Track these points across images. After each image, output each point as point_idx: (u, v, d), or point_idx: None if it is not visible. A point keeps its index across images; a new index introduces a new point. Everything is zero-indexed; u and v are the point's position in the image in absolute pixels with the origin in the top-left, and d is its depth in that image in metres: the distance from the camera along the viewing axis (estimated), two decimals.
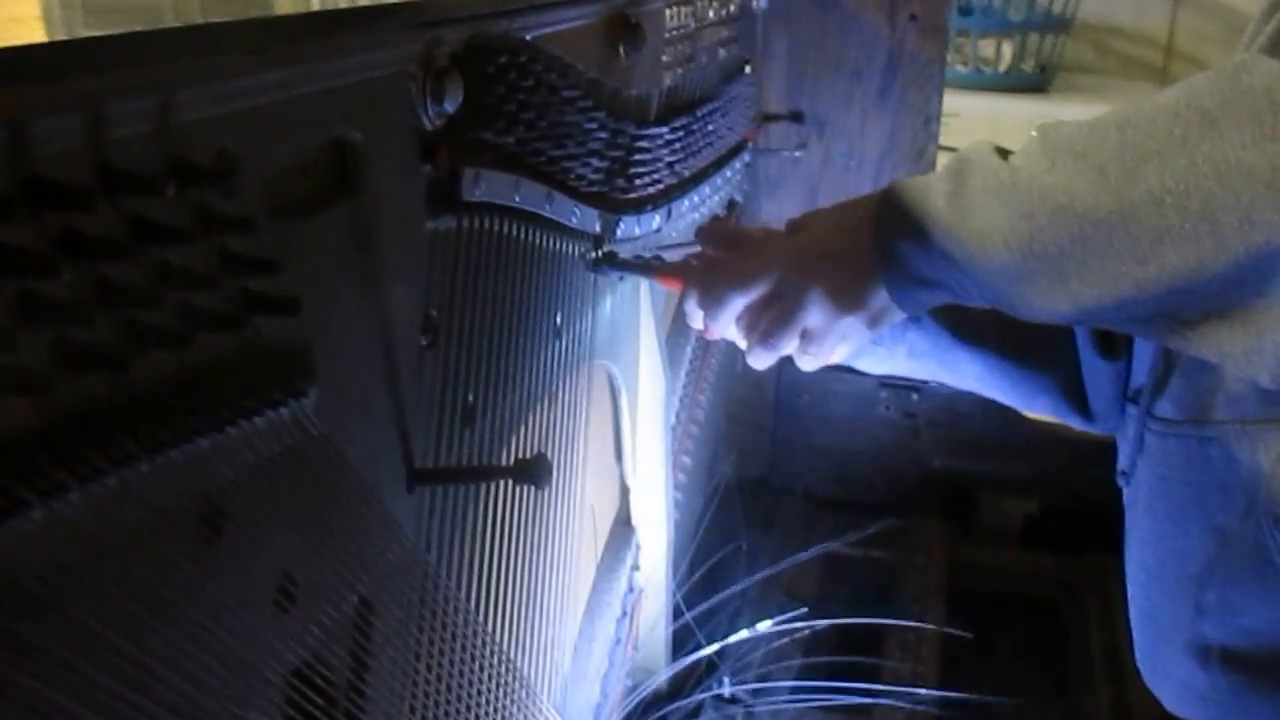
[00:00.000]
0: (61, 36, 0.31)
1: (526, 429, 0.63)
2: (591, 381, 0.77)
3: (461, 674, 0.52)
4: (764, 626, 1.04)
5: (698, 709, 0.99)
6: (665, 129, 0.79)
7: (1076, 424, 0.73)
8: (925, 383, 1.29)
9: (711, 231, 0.73)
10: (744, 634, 1.02)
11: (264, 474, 0.37)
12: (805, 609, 1.06)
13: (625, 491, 0.93)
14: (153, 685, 0.32)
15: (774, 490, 1.41)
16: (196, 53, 0.35)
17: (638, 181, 0.75)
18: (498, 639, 0.58)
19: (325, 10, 0.49)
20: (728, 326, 0.67)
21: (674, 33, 0.86)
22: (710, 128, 0.91)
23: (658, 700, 0.97)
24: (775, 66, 1.22)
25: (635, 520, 0.95)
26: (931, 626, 1.15)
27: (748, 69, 1.06)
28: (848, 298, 0.62)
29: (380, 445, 0.47)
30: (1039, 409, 0.75)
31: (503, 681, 0.56)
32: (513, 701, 0.58)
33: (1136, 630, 0.68)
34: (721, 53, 1.00)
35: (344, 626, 0.43)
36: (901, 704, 1.04)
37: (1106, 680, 1.10)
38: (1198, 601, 0.60)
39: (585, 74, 0.65)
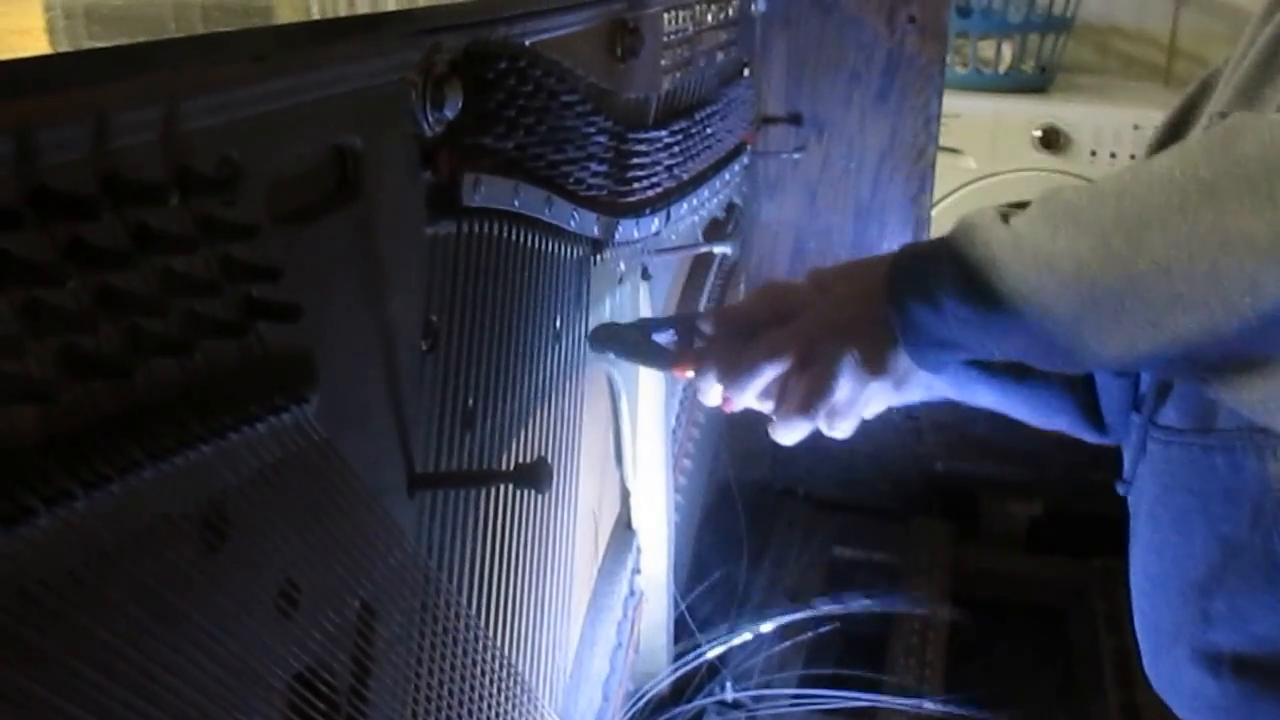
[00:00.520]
0: (66, 47, 0.31)
1: (527, 433, 0.64)
2: (591, 385, 0.77)
3: (463, 678, 0.52)
4: (766, 629, 1.04)
5: (700, 714, 0.99)
6: (664, 132, 0.80)
7: (1091, 439, 0.74)
8: None
9: (717, 320, 0.71)
10: (746, 637, 1.02)
11: (267, 479, 0.37)
12: (808, 612, 1.06)
13: (626, 495, 0.93)
14: (157, 691, 0.33)
15: (775, 493, 1.41)
16: (199, 62, 0.36)
17: (636, 185, 0.76)
18: (499, 643, 0.58)
19: (326, 18, 0.49)
20: (751, 399, 0.67)
21: (672, 36, 0.86)
22: (709, 131, 0.91)
23: (659, 704, 0.97)
24: (774, 69, 1.23)
25: (636, 524, 0.95)
26: (935, 630, 1.15)
27: (746, 72, 1.06)
28: (874, 364, 0.63)
29: (381, 450, 0.47)
30: (1057, 427, 0.75)
31: (504, 686, 0.57)
32: (514, 706, 0.58)
33: (1142, 639, 0.67)
34: (720, 56, 1.00)
35: (346, 631, 0.43)
36: (906, 709, 1.03)
37: (1116, 685, 1.10)
38: (1206, 610, 0.60)
39: (584, 78, 0.65)
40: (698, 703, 0.99)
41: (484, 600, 0.57)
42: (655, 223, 0.81)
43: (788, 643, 1.06)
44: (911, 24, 1.18)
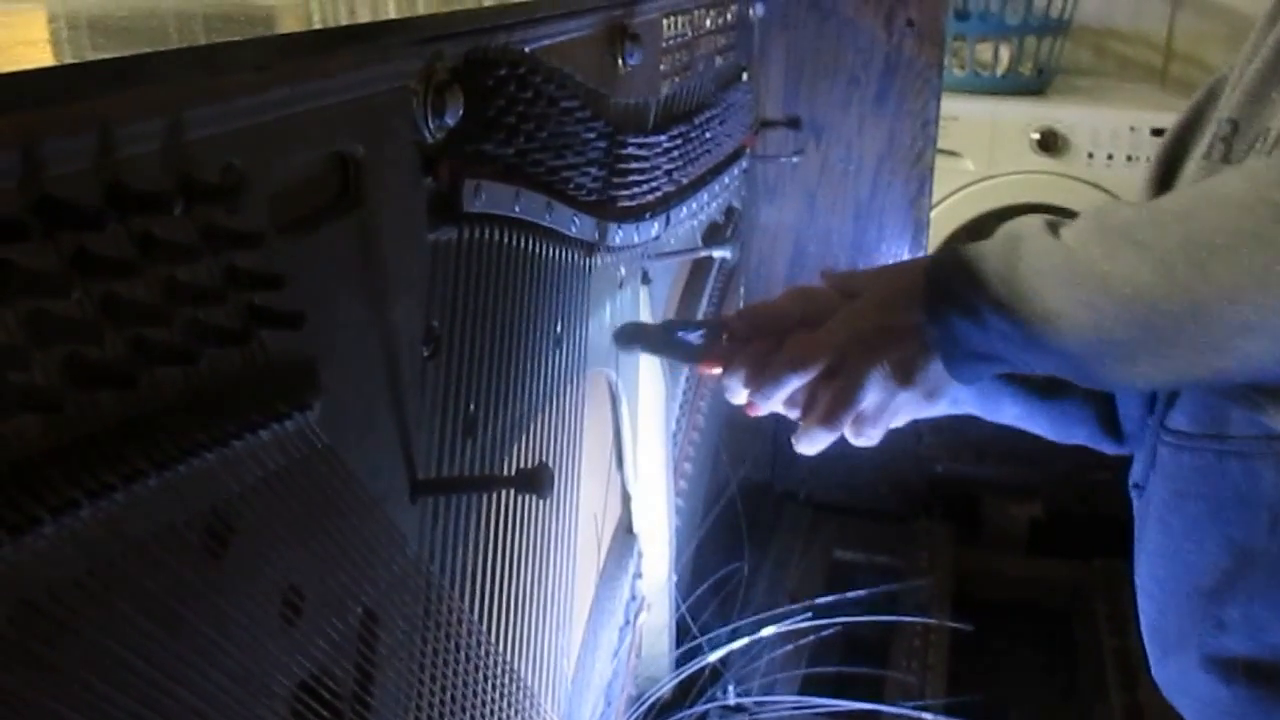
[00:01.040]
0: (70, 58, 0.31)
1: (528, 438, 0.64)
2: (592, 389, 0.77)
3: (466, 684, 0.52)
4: (768, 632, 1.04)
5: (702, 717, 0.99)
6: (663, 137, 0.80)
7: (1110, 450, 0.73)
8: None
9: (745, 318, 0.70)
10: (747, 640, 1.02)
11: (270, 487, 0.37)
12: (810, 615, 1.06)
13: (627, 499, 0.93)
14: (162, 699, 0.33)
15: (776, 496, 1.41)
16: (202, 72, 0.36)
17: (636, 189, 0.76)
18: (501, 648, 0.58)
19: (327, 27, 0.50)
20: (777, 405, 0.66)
21: (671, 42, 0.86)
22: (708, 135, 0.91)
23: (662, 709, 0.97)
24: (772, 73, 1.23)
25: (637, 528, 0.95)
26: (938, 633, 1.15)
27: (745, 76, 1.06)
28: (904, 375, 0.61)
29: (384, 456, 0.48)
30: (1075, 440, 0.74)
31: (507, 691, 0.57)
32: (517, 711, 0.58)
33: (1149, 642, 0.66)
34: (719, 61, 1.00)
35: (349, 638, 0.44)
36: (908, 712, 1.03)
37: (1119, 688, 1.09)
38: (1218, 617, 0.59)
39: (584, 84, 0.65)
40: (700, 707, 0.99)
41: (486, 605, 0.57)
42: (655, 227, 0.81)
43: (789, 646, 1.06)
44: (909, 27, 1.18)
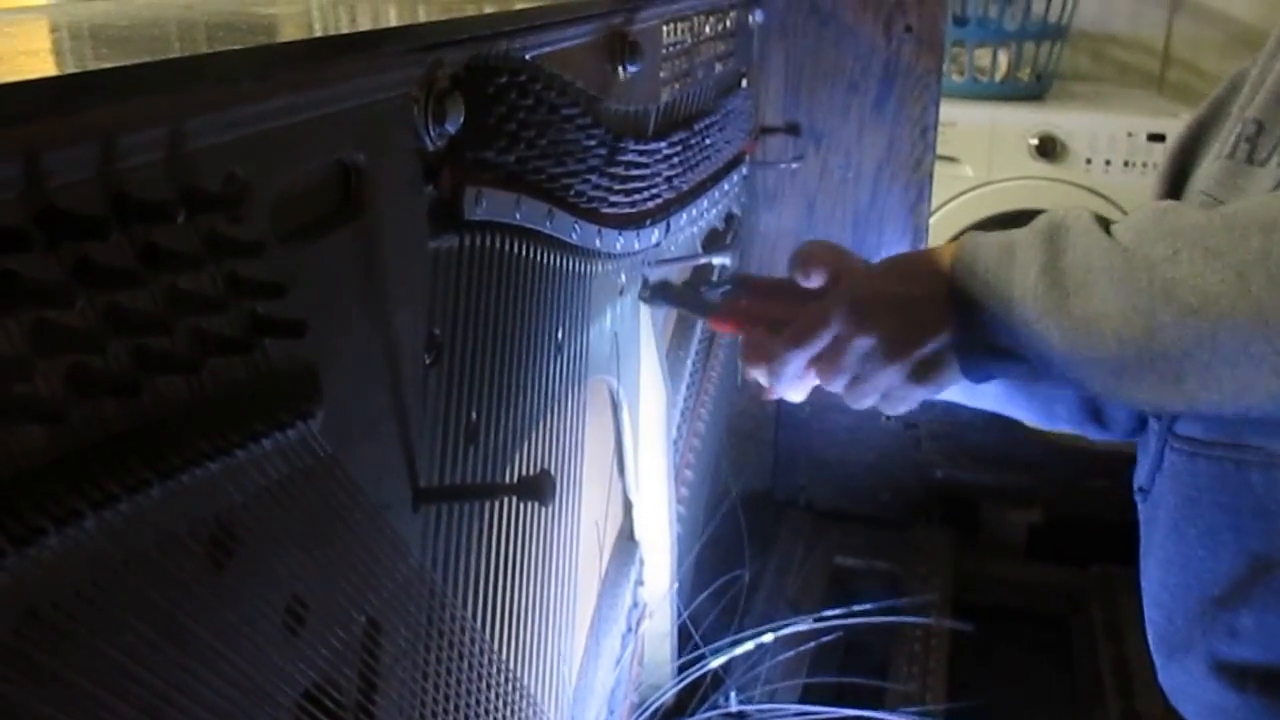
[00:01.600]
0: (73, 68, 0.31)
1: (529, 445, 0.64)
2: (593, 397, 0.77)
3: (469, 692, 0.52)
4: (769, 639, 1.04)
5: None
6: (663, 144, 0.80)
7: (1092, 434, 0.71)
8: None
9: (756, 284, 0.70)
10: (749, 647, 1.02)
11: (273, 496, 0.37)
12: (810, 621, 1.06)
13: (628, 507, 0.93)
14: (166, 710, 0.33)
15: (777, 503, 1.41)
16: (204, 81, 0.36)
17: (637, 196, 0.76)
18: (504, 656, 0.58)
19: (328, 36, 0.50)
20: (791, 385, 0.66)
21: (671, 49, 0.86)
22: (708, 142, 0.91)
23: (665, 716, 0.97)
24: (772, 80, 1.23)
25: (639, 535, 0.95)
26: (938, 638, 1.15)
27: (744, 83, 1.07)
28: (899, 350, 0.59)
29: (386, 464, 0.48)
30: (1057, 422, 0.71)
31: (510, 699, 0.57)
32: (520, 719, 0.58)
33: (1155, 648, 0.65)
34: (718, 67, 1.00)
35: (353, 647, 0.43)
36: (909, 718, 1.03)
37: (1116, 693, 1.10)
38: (1231, 625, 0.58)
39: (584, 91, 0.65)
40: (702, 714, 0.98)
41: (489, 613, 0.57)
42: (655, 234, 0.81)
43: (791, 652, 1.06)
44: (908, 34, 1.19)
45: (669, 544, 0.97)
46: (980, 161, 2.00)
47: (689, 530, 1.06)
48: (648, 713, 0.95)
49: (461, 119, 0.50)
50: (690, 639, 1.01)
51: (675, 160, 0.83)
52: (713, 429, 1.15)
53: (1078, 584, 1.29)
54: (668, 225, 0.84)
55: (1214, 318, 0.48)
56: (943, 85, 1.23)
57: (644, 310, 0.88)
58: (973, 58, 2.07)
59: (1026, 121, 1.98)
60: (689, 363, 1.05)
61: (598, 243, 0.72)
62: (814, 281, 0.67)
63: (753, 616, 1.12)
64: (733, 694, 1.00)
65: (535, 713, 0.61)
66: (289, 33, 0.49)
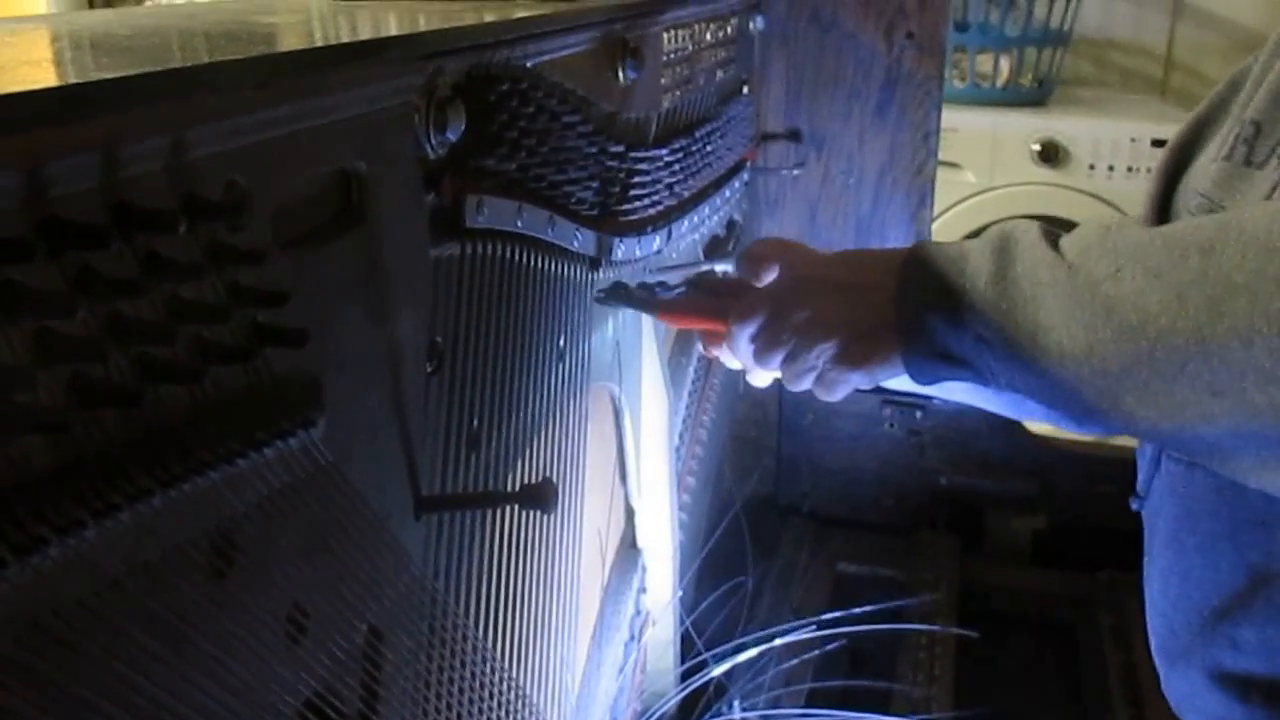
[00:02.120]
0: (74, 78, 0.31)
1: (531, 453, 0.64)
2: (595, 404, 0.77)
3: (471, 701, 0.52)
4: (773, 646, 1.04)
5: None
6: (664, 151, 0.80)
7: (1071, 428, 0.71)
8: (929, 399, 1.29)
9: (709, 284, 0.72)
10: (753, 654, 1.02)
11: (274, 504, 0.37)
12: (815, 628, 1.05)
13: (631, 514, 0.93)
14: (167, 718, 0.33)
15: (780, 509, 1.41)
16: (205, 90, 0.36)
17: (638, 203, 0.76)
18: (507, 664, 0.58)
19: (329, 45, 0.50)
20: (746, 362, 0.67)
21: (672, 55, 0.86)
22: (709, 148, 0.91)
23: None
24: (773, 86, 1.23)
25: (641, 543, 0.95)
26: (943, 644, 1.15)
27: (745, 89, 1.07)
28: (832, 329, 0.60)
29: (388, 473, 0.48)
30: (1032, 416, 0.72)
31: (513, 708, 0.56)
32: None
33: (1158, 658, 0.65)
34: (719, 74, 1.00)
35: (355, 656, 0.43)
36: None
37: (1124, 701, 1.09)
38: (1232, 638, 0.57)
39: (585, 99, 0.65)
40: None
41: (491, 622, 0.57)
42: (657, 241, 0.81)
43: (795, 659, 1.06)
44: (909, 40, 1.19)
45: (671, 551, 0.97)
46: (982, 167, 2.00)
47: (691, 537, 1.06)
48: None
49: (463, 127, 0.51)
50: (693, 646, 1.01)
51: (677, 167, 0.83)
52: (715, 436, 1.15)
53: (1084, 590, 1.28)
54: (669, 232, 0.84)
55: (1153, 336, 0.48)
56: (944, 91, 1.23)
57: (645, 317, 0.88)
58: (974, 63, 2.07)
59: (1028, 127, 1.98)
60: (691, 370, 1.05)
61: (599, 250, 0.72)
62: (765, 280, 0.68)
63: (756, 624, 1.11)
64: (736, 702, 0.99)
65: None
66: (290, 42, 0.49)
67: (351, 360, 0.44)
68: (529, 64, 0.59)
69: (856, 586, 1.28)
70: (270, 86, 0.39)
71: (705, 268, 0.98)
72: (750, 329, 0.65)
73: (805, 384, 0.64)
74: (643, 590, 0.95)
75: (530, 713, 0.60)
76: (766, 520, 1.36)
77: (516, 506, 0.58)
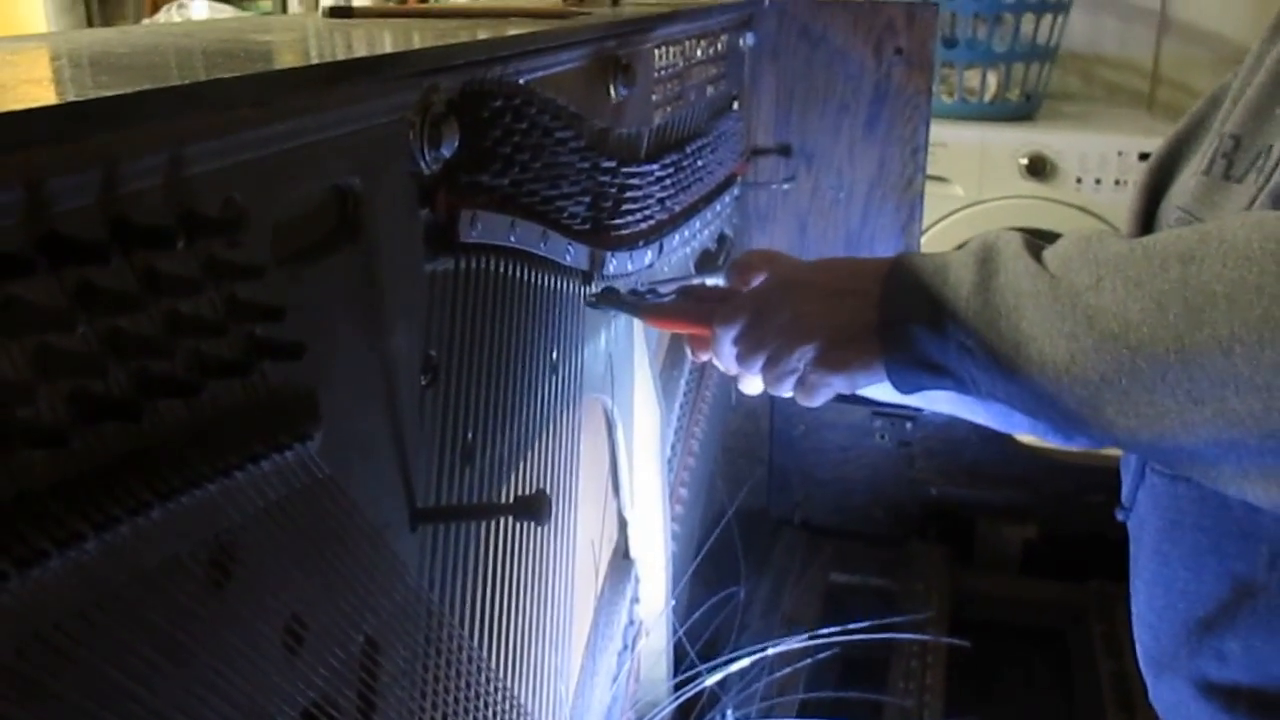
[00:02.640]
0: (74, 96, 0.31)
1: (525, 465, 0.64)
2: (588, 416, 0.77)
3: (466, 711, 0.52)
4: (765, 656, 1.04)
5: None
6: (656, 166, 0.81)
7: (1054, 438, 0.72)
8: (919, 411, 1.30)
9: (699, 293, 0.72)
10: (745, 664, 1.02)
11: (272, 517, 0.38)
12: (807, 638, 1.06)
13: (623, 525, 0.94)
14: None
15: (772, 520, 1.41)
16: (202, 107, 0.36)
17: (630, 218, 0.77)
18: (502, 674, 0.58)
19: (325, 62, 0.51)
20: (731, 365, 0.67)
21: (663, 72, 0.87)
22: (700, 163, 0.92)
23: None
24: (763, 102, 1.24)
25: (634, 553, 0.95)
26: (935, 654, 1.15)
27: (736, 105, 1.08)
28: (812, 331, 0.60)
29: (383, 485, 0.48)
30: (1018, 429, 0.70)
31: (508, 718, 0.57)
32: None
33: (1145, 668, 0.65)
34: (710, 90, 1.01)
35: (351, 666, 0.44)
36: None
37: (1116, 707, 1.09)
38: (1218, 649, 0.58)
39: (577, 115, 0.66)
40: None
41: (486, 632, 0.57)
42: (649, 255, 0.82)
43: (787, 669, 1.06)
44: (898, 55, 1.20)
45: (664, 562, 0.97)
46: (971, 181, 2.02)
47: (684, 548, 1.06)
48: None
49: (456, 143, 0.51)
50: (686, 656, 1.01)
51: (668, 182, 0.83)
52: (707, 447, 1.15)
53: (1075, 599, 1.29)
54: (661, 246, 0.84)
55: (1134, 345, 0.48)
56: (933, 106, 1.24)
57: (638, 330, 0.89)
58: (962, 79, 2.09)
59: (1016, 141, 2.00)
60: (683, 382, 1.06)
61: (591, 264, 0.72)
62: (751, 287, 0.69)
63: (748, 634, 1.12)
64: (729, 711, 1.00)
65: None
66: (286, 59, 0.50)
67: (347, 374, 0.45)
68: (522, 81, 0.59)
69: (848, 597, 1.28)
70: (267, 104, 0.39)
71: (696, 281, 0.99)
72: (733, 331, 0.65)
73: (786, 387, 0.64)
74: (636, 600, 0.95)
75: None
76: (758, 531, 1.36)
77: (511, 518, 0.58)
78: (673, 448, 1.03)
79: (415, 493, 0.50)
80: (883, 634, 1.09)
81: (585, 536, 0.78)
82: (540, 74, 0.63)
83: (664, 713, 0.98)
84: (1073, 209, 1.98)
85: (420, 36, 0.60)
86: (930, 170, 1.29)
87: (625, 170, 0.74)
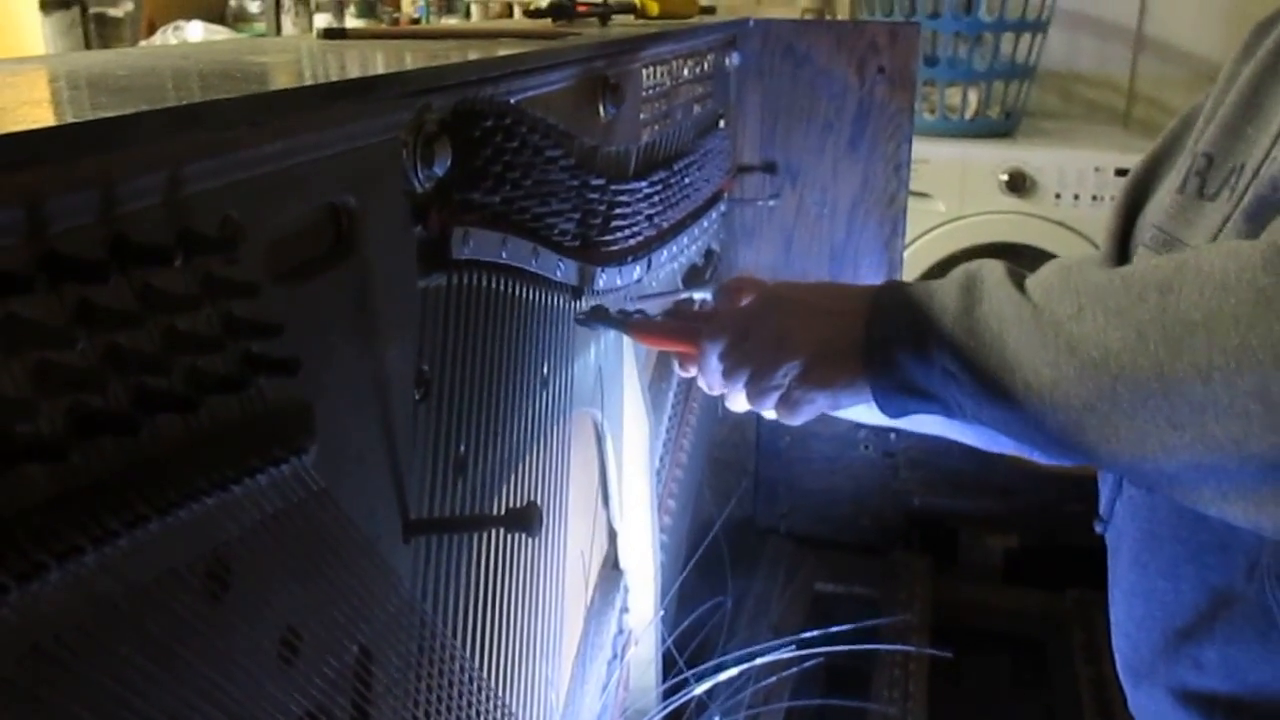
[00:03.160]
0: (72, 117, 0.32)
1: (516, 477, 0.65)
2: (578, 429, 0.78)
3: (459, 719, 0.53)
4: (752, 664, 1.04)
5: None
6: (644, 183, 0.82)
7: (1041, 460, 0.73)
8: None
9: (687, 314, 0.74)
10: (733, 673, 1.03)
11: (268, 529, 0.38)
12: (793, 647, 1.06)
13: (613, 536, 0.94)
14: None
15: (758, 530, 1.42)
16: (199, 128, 0.37)
17: (619, 234, 0.78)
18: (493, 683, 0.59)
19: (319, 83, 0.51)
20: (718, 384, 0.67)
21: (651, 91, 0.89)
22: (687, 181, 0.93)
23: None
24: (749, 120, 1.26)
25: (623, 563, 0.95)
26: (917, 662, 1.16)
27: (722, 123, 1.09)
28: (796, 347, 0.61)
29: (377, 498, 0.48)
30: (1004, 449, 0.72)
31: None
32: None
33: (1124, 676, 0.66)
34: (697, 108, 1.03)
35: (345, 676, 0.44)
36: None
37: (1095, 715, 1.11)
38: (1195, 658, 0.58)
39: (567, 134, 0.67)
40: None
41: (478, 641, 0.58)
42: (637, 270, 0.83)
43: (773, 677, 1.07)
44: (881, 74, 1.22)
45: (653, 572, 0.98)
46: (952, 197, 2.04)
47: (672, 558, 1.07)
48: None
49: (449, 162, 0.52)
50: (675, 665, 1.01)
51: (656, 199, 0.84)
52: (695, 459, 1.16)
53: (1055, 608, 1.30)
54: (649, 261, 0.85)
55: (1115, 372, 0.49)
56: (915, 123, 1.26)
57: (627, 344, 0.89)
58: (944, 96, 2.11)
59: (996, 158, 2.03)
60: (671, 395, 1.07)
61: (581, 279, 0.73)
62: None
63: (735, 642, 1.12)
64: (717, 719, 1.00)
65: None
66: (281, 80, 0.51)
67: (342, 388, 0.45)
68: (513, 100, 0.60)
69: (833, 605, 1.29)
70: (263, 124, 0.40)
71: (684, 296, 1.00)
72: (720, 346, 0.65)
73: (770, 403, 0.65)
74: (625, 610, 0.95)
75: None
76: (745, 541, 1.37)
77: (502, 529, 0.59)
78: (661, 459, 1.04)
79: (408, 504, 0.51)
80: (867, 643, 1.10)
81: (575, 547, 0.78)
82: (531, 94, 0.63)
83: None
84: (1051, 224, 2.00)
85: (413, 57, 0.61)
86: (912, 186, 1.31)
87: (614, 187, 0.75)
